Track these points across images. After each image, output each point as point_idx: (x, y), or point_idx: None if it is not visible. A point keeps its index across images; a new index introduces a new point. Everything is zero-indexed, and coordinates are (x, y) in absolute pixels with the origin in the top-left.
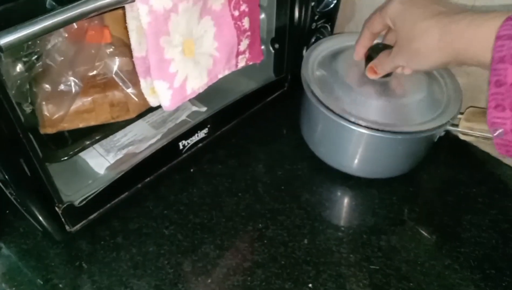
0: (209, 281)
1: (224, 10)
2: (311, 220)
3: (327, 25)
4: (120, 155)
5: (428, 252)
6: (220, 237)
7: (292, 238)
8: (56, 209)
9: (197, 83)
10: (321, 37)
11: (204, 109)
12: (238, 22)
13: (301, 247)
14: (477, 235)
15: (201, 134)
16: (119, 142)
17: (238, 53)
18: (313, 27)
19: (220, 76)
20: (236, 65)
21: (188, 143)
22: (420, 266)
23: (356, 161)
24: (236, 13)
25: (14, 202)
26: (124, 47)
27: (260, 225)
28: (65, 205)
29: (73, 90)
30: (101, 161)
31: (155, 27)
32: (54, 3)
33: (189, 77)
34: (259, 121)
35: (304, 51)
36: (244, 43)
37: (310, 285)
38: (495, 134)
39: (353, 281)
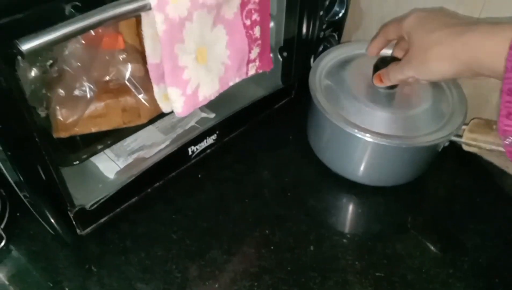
0: (217, 285)
1: (236, 19)
2: (317, 226)
3: (334, 34)
4: (130, 160)
5: (432, 260)
6: (227, 242)
7: (298, 244)
8: (68, 212)
9: (209, 90)
10: (328, 45)
11: (212, 115)
12: (250, 31)
13: (307, 253)
14: (481, 243)
15: (210, 140)
16: (129, 147)
17: (249, 61)
18: (321, 36)
19: (231, 83)
20: (247, 73)
21: (197, 149)
22: (425, 274)
23: (361, 168)
24: (248, 22)
25: (27, 204)
26: (136, 54)
27: (267, 231)
28: (76, 209)
29: (88, 96)
30: (111, 165)
31: (170, 35)
32: (73, 11)
33: (201, 84)
34: (266, 127)
35: (311, 59)
36: (255, 52)
37: None
38: (506, 142)
39: (358, 288)
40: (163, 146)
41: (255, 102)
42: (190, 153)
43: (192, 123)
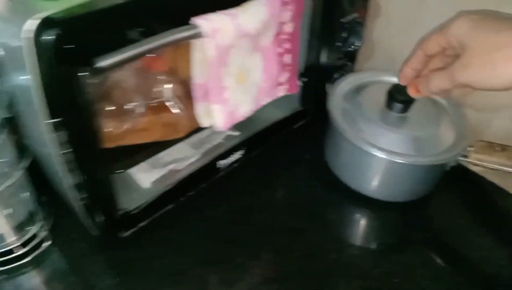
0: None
1: (271, 47)
2: (335, 237)
3: (349, 63)
4: (164, 171)
5: (442, 269)
6: (251, 250)
7: (319, 252)
8: (117, 215)
9: (245, 108)
10: (344, 73)
11: (237, 133)
12: (281, 58)
13: (328, 261)
14: (486, 255)
15: (237, 155)
16: (163, 159)
17: (279, 84)
18: (337, 65)
19: (263, 103)
20: (277, 94)
21: (225, 163)
22: (437, 281)
23: (376, 184)
24: (281, 50)
25: (78, 206)
26: (175, 75)
27: (287, 241)
28: (122, 212)
29: (137, 111)
30: (147, 175)
31: (218, 59)
32: (138, 35)
33: (239, 103)
34: (285, 145)
35: (328, 85)
36: (285, 76)
37: None
38: None
39: None
40: (193, 159)
41: (275, 122)
42: (219, 166)
43: (220, 139)
